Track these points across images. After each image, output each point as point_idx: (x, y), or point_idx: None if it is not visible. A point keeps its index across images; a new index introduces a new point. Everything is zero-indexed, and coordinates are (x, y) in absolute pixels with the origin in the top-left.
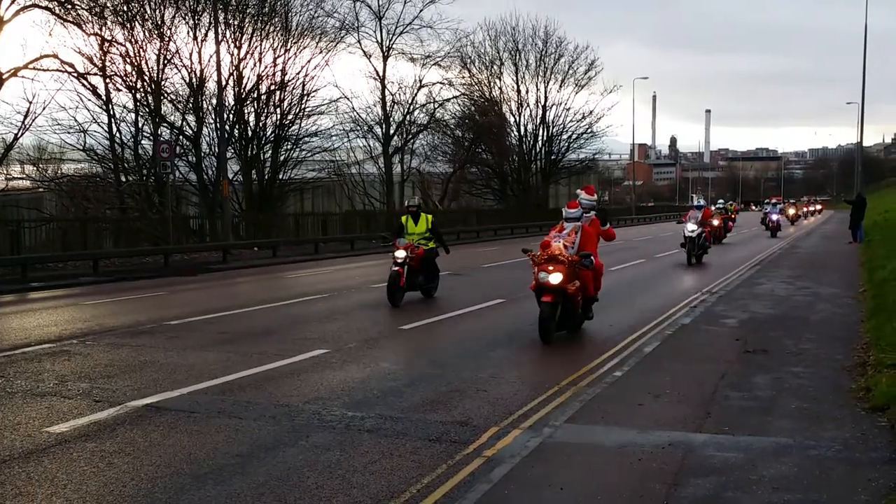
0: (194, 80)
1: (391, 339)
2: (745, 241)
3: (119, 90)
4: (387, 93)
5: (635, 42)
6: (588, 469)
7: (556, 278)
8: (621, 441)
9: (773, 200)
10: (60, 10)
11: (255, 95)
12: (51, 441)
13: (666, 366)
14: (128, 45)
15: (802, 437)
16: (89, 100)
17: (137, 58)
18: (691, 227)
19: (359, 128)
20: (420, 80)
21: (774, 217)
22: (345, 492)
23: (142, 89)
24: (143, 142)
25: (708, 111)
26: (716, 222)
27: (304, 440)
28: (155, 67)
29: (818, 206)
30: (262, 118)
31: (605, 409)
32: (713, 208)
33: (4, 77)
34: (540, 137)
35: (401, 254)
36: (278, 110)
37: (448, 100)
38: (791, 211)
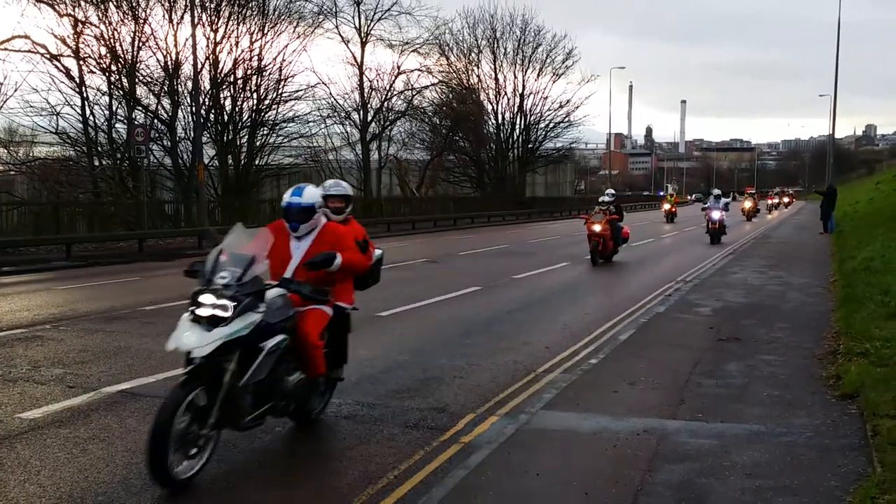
0: (169, 63)
1: (368, 326)
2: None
3: (93, 72)
4: (365, 79)
5: (612, 31)
6: (564, 455)
7: None
8: (596, 428)
9: (716, 192)
10: None
11: (232, 80)
12: (24, 427)
13: (641, 353)
14: (102, 26)
15: (774, 423)
16: (62, 82)
17: (112, 40)
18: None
19: (336, 114)
20: (398, 67)
21: (716, 216)
22: (322, 478)
23: (116, 72)
24: (117, 125)
25: (683, 101)
26: (598, 228)
27: (280, 426)
28: (129, 50)
29: (785, 199)
30: (239, 103)
31: (580, 396)
32: (599, 204)
33: None
34: (517, 126)
35: None
36: (255, 95)
37: (426, 87)
38: (747, 204)
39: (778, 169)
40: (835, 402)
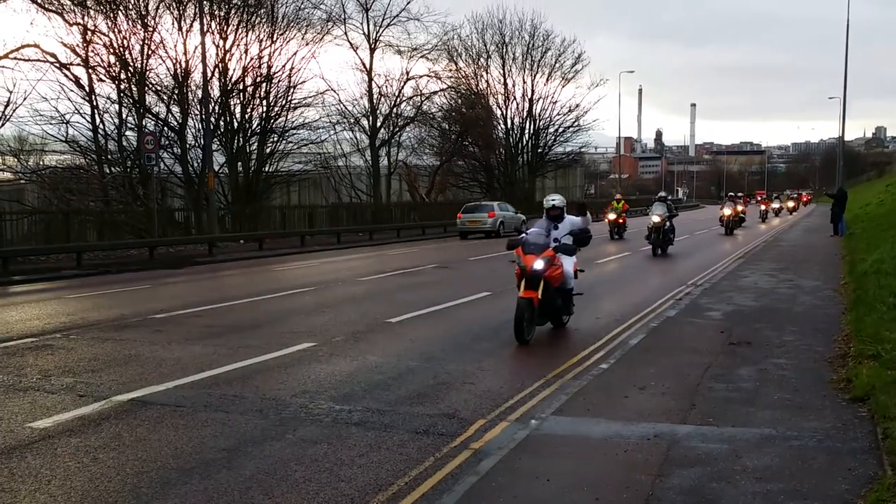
0: (179, 71)
1: (378, 333)
2: None
3: (102, 81)
4: (374, 85)
5: (621, 35)
6: (574, 461)
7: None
8: (607, 433)
9: (554, 200)
10: None
11: (241, 87)
12: (34, 437)
13: (651, 358)
14: (111, 35)
15: (785, 427)
16: (72, 90)
17: (121, 48)
18: None
19: (345, 120)
20: (407, 73)
21: (538, 266)
22: (332, 485)
23: (125, 80)
24: (127, 133)
25: (693, 105)
26: None
27: (291, 434)
28: (139, 58)
29: (790, 204)
30: (248, 110)
31: (591, 401)
32: None
33: None
34: (526, 131)
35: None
36: (264, 102)
37: (435, 92)
38: (726, 211)
39: (788, 171)
40: (845, 406)
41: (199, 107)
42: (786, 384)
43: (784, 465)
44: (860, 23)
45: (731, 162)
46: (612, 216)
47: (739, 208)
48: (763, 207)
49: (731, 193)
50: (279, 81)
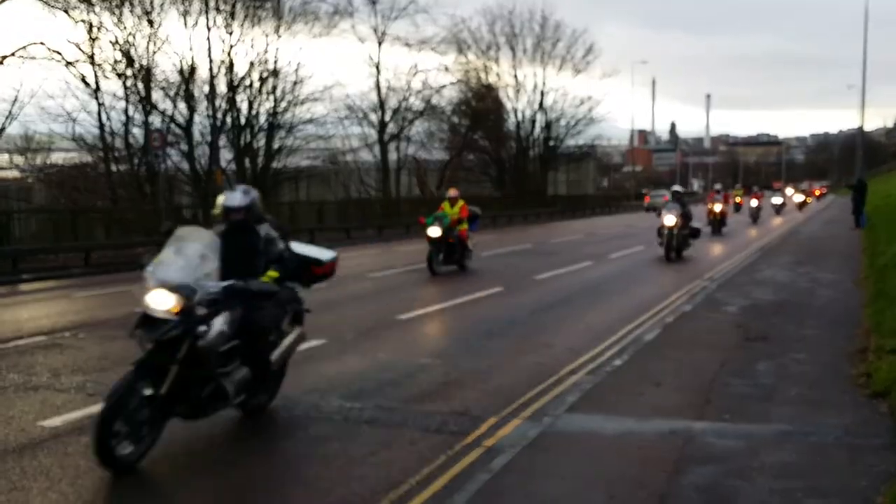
0: (185, 67)
1: (389, 330)
2: None
3: (108, 78)
4: (382, 79)
5: (632, 23)
6: (588, 458)
7: None
8: (621, 430)
9: None
10: None
11: (248, 83)
12: (45, 435)
13: (666, 354)
14: (116, 31)
15: (803, 423)
16: (78, 88)
17: (126, 45)
18: None
19: (354, 115)
20: (415, 66)
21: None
22: (343, 483)
23: (131, 77)
24: (133, 130)
25: (708, 95)
26: None
27: (302, 432)
28: (145, 54)
29: (798, 198)
30: (255, 106)
31: (604, 397)
32: None
33: None
34: (538, 123)
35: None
36: (271, 97)
37: (444, 86)
38: (668, 221)
39: (806, 162)
40: (865, 401)
41: (205, 103)
42: (804, 379)
43: (802, 462)
44: (878, 10)
45: (747, 153)
46: (433, 232)
47: (718, 208)
48: (755, 202)
49: (679, 189)
50: (286, 76)
